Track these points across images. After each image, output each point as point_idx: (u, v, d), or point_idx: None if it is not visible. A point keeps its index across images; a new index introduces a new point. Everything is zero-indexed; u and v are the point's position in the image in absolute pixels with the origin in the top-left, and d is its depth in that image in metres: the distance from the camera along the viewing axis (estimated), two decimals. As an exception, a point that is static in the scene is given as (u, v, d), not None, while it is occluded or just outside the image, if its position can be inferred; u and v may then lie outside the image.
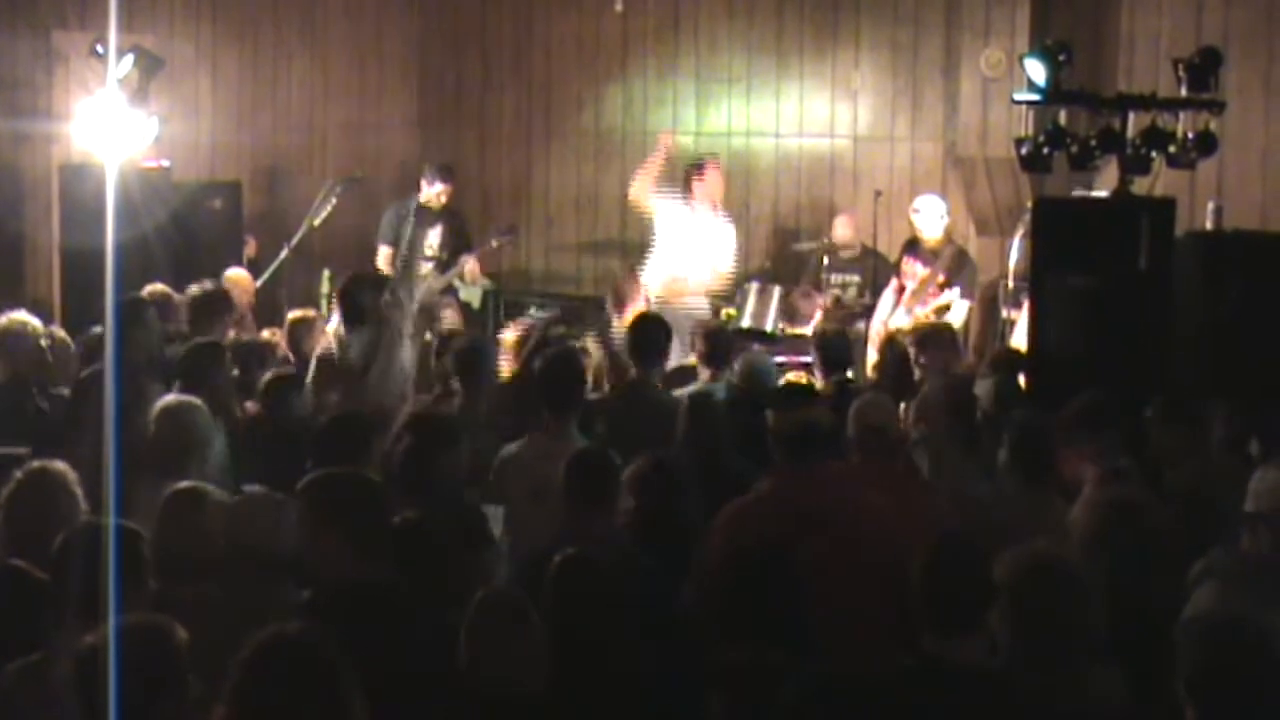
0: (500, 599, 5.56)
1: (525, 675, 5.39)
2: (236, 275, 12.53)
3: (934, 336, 10.34)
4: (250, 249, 14.61)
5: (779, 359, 11.17)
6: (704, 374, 9.80)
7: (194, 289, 10.94)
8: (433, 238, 13.79)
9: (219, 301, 10.82)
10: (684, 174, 13.52)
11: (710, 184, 13.40)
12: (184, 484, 6.67)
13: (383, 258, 13.80)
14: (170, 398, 8.04)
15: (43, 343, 9.47)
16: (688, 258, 13.17)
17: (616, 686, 5.57)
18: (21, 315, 9.56)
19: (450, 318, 13.52)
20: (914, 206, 13.58)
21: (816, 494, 6.64)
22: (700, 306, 13.02)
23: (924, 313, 12.87)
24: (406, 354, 10.74)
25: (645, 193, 13.40)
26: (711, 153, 13.95)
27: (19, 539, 6.35)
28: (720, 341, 9.96)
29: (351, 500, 6.02)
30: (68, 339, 10.08)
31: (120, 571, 5.43)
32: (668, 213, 13.31)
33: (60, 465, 6.66)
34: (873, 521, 6.61)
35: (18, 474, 6.64)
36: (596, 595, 5.76)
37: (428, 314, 13.50)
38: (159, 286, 10.98)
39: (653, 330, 9.73)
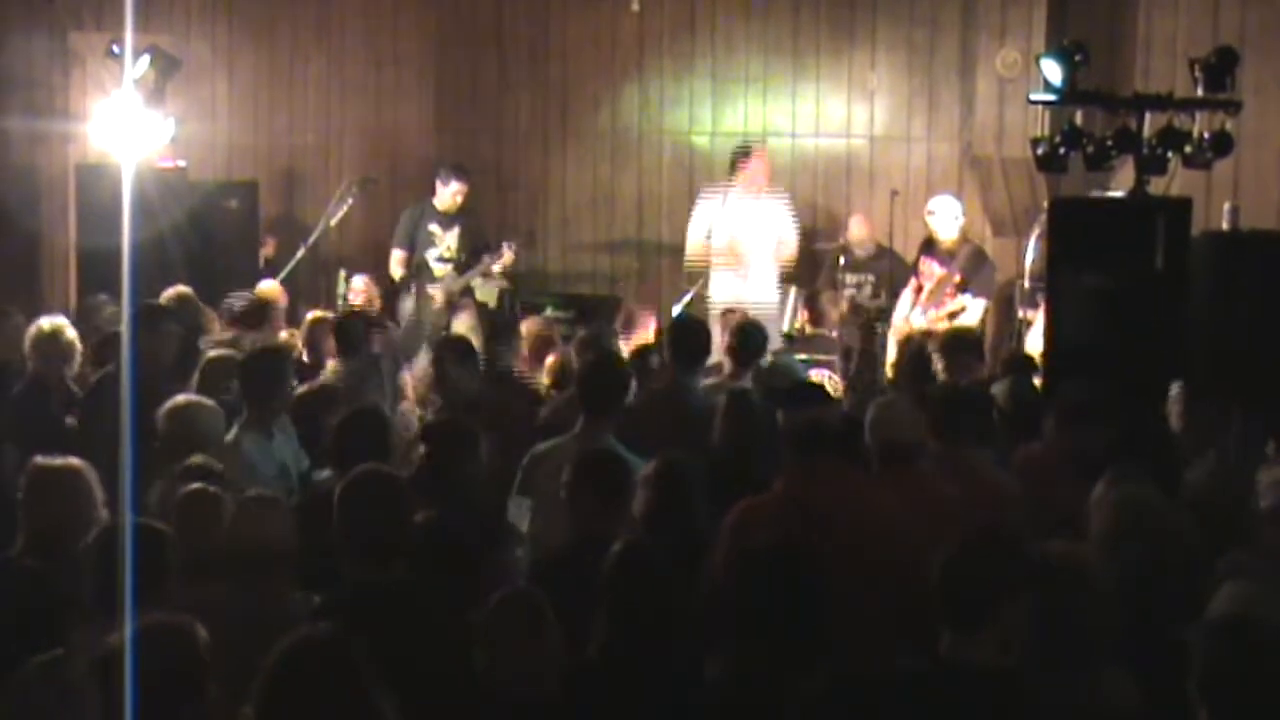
0: (518, 599, 5.57)
1: (542, 677, 5.39)
2: (271, 289, 12.44)
3: (957, 342, 10.28)
4: (269, 249, 14.67)
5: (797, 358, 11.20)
6: (728, 368, 9.78)
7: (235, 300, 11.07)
8: (450, 239, 13.81)
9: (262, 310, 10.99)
10: (730, 160, 13.93)
11: (753, 170, 13.73)
12: (195, 486, 6.72)
13: (396, 260, 13.84)
14: (179, 398, 8.04)
15: (76, 346, 9.53)
16: (747, 247, 13.43)
17: (644, 679, 5.58)
18: (57, 320, 9.63)
19: (466, 319, 13.52)
20: (929, 208, 13.57)
21: (826, 493, 6.63)
22: (769, 303, 13.27)
23: (938, 314, 12.86)
24: (415, 367, 10.91)
25: (696, 246, 13.70)
26: (758, 142, 14.21)
27: (37, 534, 6.38)
28: (752, 338, 9.94)
29: (373, 500, 6.04)
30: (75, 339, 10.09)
31: (138, 571, 5.46)
32: (714, 221, 13.61)
33: (77, 462, 6.69)
34: (882, 521, 6.61)
35: (35, 470, 6.68)
36: (657, 584, 5.77)
37: (446, 316, 13.52)
38: (182, 289, 10.99)
39: (693, 333, 9.73)
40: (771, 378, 9.36)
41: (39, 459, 6.73)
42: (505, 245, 13.79)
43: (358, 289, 13.33)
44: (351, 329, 10.31)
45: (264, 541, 6.12)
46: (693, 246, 13.85)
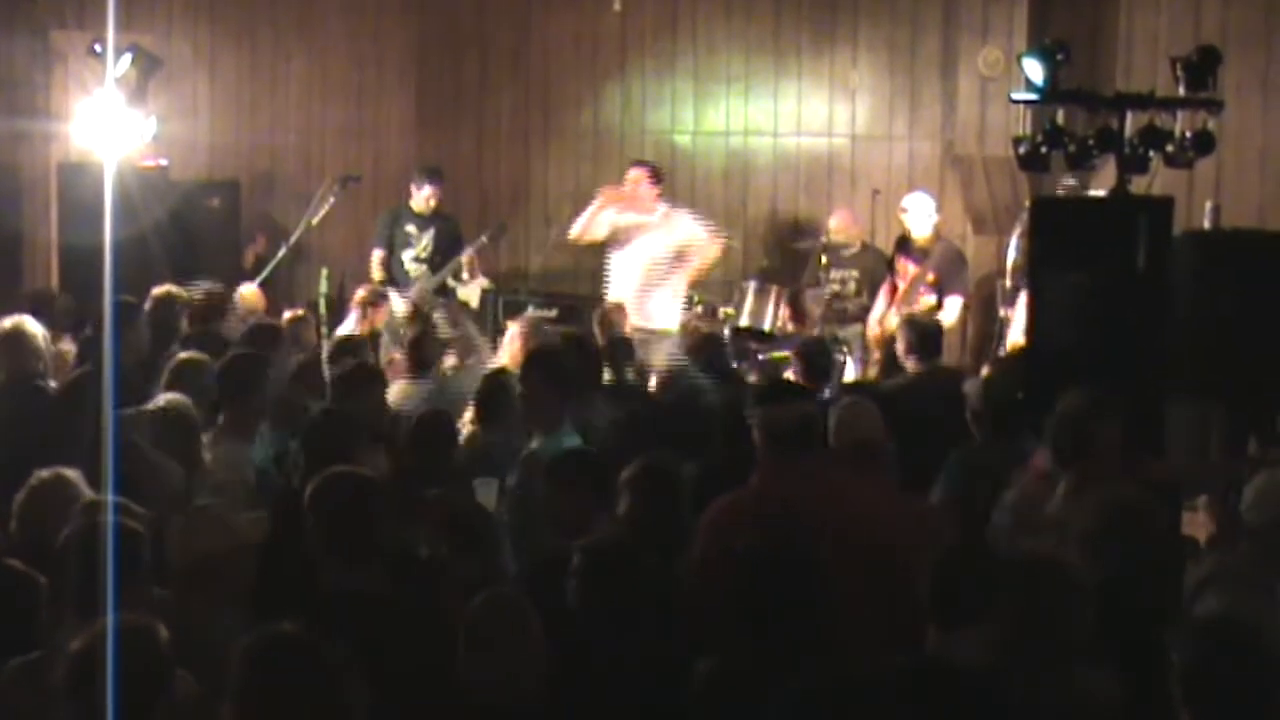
0: (501, 601, 5.55)
1: (522, 679, 5.38)
2: (250, 293, 12.29)
3: (923, 331, 10.35)
4: (259, 246, 14.69)
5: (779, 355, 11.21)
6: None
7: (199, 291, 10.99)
8: (426, 240, 13.80)
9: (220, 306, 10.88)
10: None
11: (629, 191, 13.42)
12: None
13: (376, 261, 13.84)
14: (160, 399, 8.01)
15: (42, 344, 9.46)
16: (658, 270, 13.20)
17: (621, 683, 5.57)
18: (22, 319, 9.57)
19: (441, 319, 13.49)
20: (902, 205, 13.56)
21: (805, 490, 6.62)
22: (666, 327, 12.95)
23: (909, 311, 12.85)
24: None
25: (586, 230, 13.51)
26: (642, 164, 13.74)
27: (30, 546, 6.35)
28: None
29: (343, 506, 5.98)
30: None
31: (119, 571, 5.45)
32: (616, 235, 13.40)
33: (73, 474, 6.68)
34: (863, 517, 6.60)
35: (31, 481, 6.67)
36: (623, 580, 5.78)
37: (421, 315, 13.49)
38: (167, 288, 10.96)
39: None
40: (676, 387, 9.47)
41: (38, 474, 6.74)
42: (472, 245, 13.80)
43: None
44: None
45: (204, 554, 6.12)
46: (587, 232, 13.59)
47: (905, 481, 7.43)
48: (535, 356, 8.94)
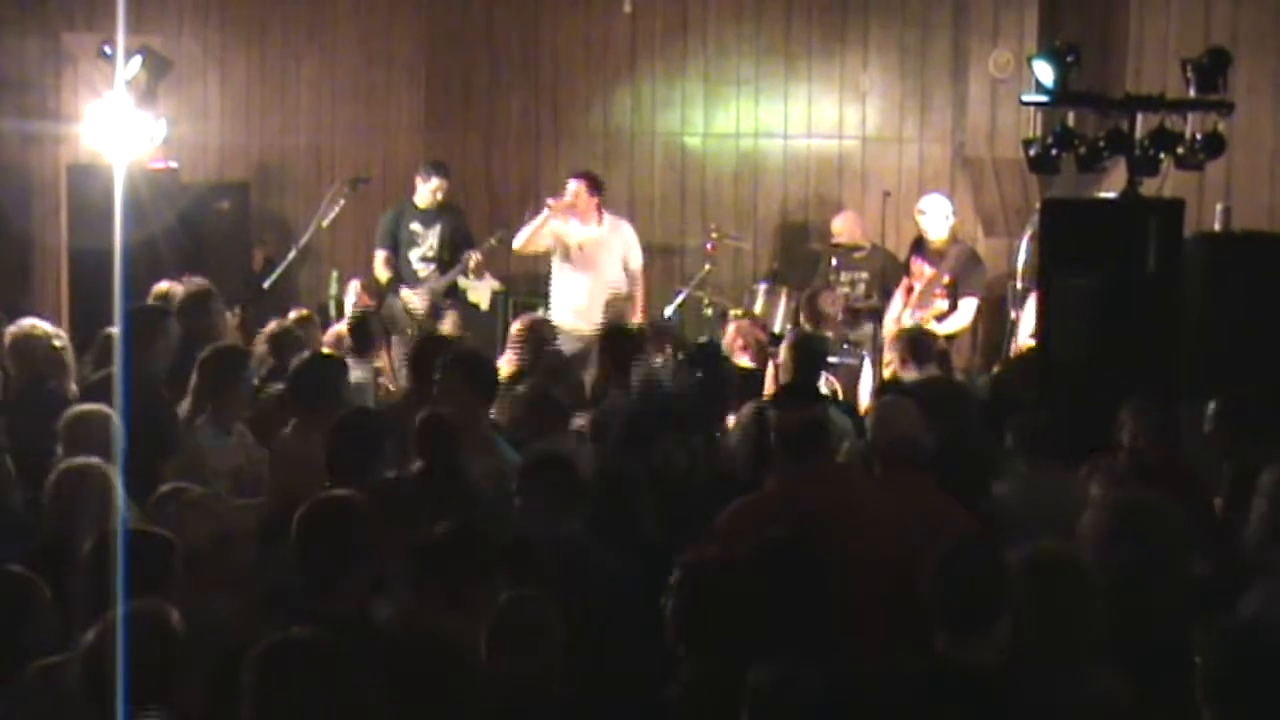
0: (523, 604, 5.54)
1: (545, 683, 5.37)
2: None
3: (911, 341, 10.36)
4: (270, 247, 14.69)
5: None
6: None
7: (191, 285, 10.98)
8: (432, 238, 13.75)
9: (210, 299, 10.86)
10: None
11: (572, 200, 13.32)
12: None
13: (379, 261, 13.80)
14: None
15: (56, 344, 9.47)
16: (591, 279, 13.26)
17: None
18: (33, 322, 9.58)
19: (451, 321, 13.48)
20: (919, 207, 13.53)
21: (819, 493, 6.62)
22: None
23: (925, 315, 12.85)
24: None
25: (528, 241, 13.51)
26: (584, 173, 13.61)
27: (56, 534, 6.40)
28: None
29: (324, 531, 5.85)
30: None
31: (140, 576, 5.46)
32: (560, 243, 13.41)
33: (98, 462, 6.71)
34: (875, 520, 6.60)
35: (58, 469, 6.72)
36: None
37: (430, 316, 13.50)
38: (164, 285, 10.95)
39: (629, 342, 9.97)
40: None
41: (68, 460, 6.78)
42: (478, 247, 13.77)
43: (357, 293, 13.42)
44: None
45: (196, 542, 6.12)
46: (531, 243, 13.56)
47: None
48: (458, 358, 8.92)
